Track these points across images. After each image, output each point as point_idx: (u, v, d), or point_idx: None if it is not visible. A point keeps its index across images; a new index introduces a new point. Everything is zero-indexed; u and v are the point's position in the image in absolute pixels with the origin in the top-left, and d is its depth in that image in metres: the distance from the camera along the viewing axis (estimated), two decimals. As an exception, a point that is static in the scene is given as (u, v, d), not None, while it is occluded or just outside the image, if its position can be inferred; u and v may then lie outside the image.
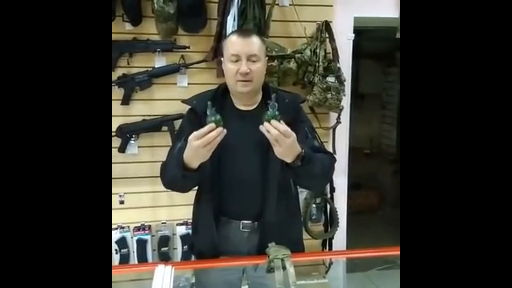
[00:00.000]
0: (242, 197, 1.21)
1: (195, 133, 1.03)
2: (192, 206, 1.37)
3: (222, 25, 1.78)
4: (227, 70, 1.20)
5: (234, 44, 1.18)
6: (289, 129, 1.04)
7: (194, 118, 1.22)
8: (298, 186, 1.33)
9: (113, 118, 1.86)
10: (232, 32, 1.25)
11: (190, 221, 1.94)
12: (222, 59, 1.26)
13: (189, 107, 1.27)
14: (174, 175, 1.13)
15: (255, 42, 1.20)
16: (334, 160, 1.29)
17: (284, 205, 1.24)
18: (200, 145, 1.02)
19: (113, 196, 1.92)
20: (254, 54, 1.18)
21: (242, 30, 1.32)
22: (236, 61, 1.17)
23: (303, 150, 1.09)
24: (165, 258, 1.94)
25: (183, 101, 1.30)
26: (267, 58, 1.28)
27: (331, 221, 2.03)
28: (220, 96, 1.26)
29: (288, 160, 1.08)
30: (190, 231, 1.96)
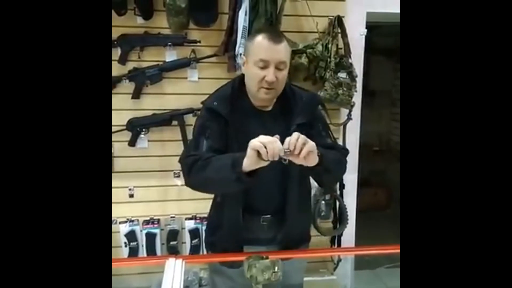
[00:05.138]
0: (264, 194, 1.20)
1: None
2: (201, 201, 1.37)
3: (233, 19, 1.78)
4: (252, 74, 1.14)
5: (265, 49, 1.11)
6: (309, 142, 1.00)
7: (216, 117, 1.17)
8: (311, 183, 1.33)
9: (123, 112, 1.87)
10: (261, 33, 1.14)
11: (199, 215, 1.98)
12: (244, 58, 1.19)
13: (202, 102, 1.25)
14: (223, 177, 1.06)
15: (285, 49, 1.13)
16: (347, 152, 1.30)
17: (303, 200, 1.25)
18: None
19: (122, 189, 1.94)
20: (283, 62, 1.12)
21: (273, 33, 1.19)
22: (263, 67, 1.11)
23: (319, 152, 1.06)
24: (173, 252, 1.95)
25: (203, 102, 1.24)
26: None
27: (340, 218, 2.02)
28: (237, 93, 1.21)
29: (312, 164, 1.05)
30: (198, 225, 1.97)
